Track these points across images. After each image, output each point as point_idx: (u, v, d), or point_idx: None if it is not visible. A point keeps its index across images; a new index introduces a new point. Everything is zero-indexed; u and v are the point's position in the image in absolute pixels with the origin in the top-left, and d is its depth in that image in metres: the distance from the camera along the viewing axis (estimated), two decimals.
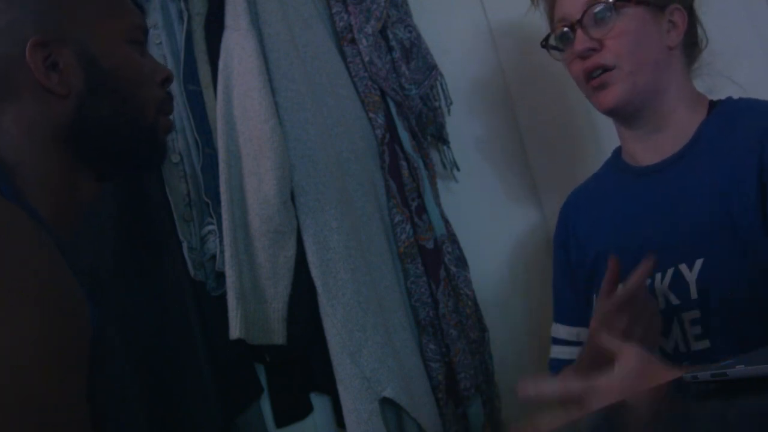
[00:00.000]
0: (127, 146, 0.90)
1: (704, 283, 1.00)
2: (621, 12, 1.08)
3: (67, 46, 0.84)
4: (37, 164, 0.83)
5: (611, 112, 1.13)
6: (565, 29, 1.12)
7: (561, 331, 1.25)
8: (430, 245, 1.45)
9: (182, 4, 1.42)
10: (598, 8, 1.08)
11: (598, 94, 1.10)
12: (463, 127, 1.63)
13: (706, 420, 0.64)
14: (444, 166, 1.61)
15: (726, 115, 1.10)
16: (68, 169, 0.85)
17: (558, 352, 1.25)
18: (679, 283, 1.03)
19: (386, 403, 1.32)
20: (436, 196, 1.51)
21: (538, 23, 1.24)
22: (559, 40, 1.15)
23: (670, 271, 1.04)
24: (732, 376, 0.65)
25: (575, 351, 1.22)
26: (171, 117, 0.96)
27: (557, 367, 1.25)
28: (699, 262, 1.01)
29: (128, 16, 0.92)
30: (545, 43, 1.17)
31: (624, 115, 1.13)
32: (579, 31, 1.09)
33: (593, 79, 1.10)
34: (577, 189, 1.28)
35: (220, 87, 1.36)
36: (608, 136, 1.57)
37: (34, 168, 0.82)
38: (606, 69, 1.09)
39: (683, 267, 1.03)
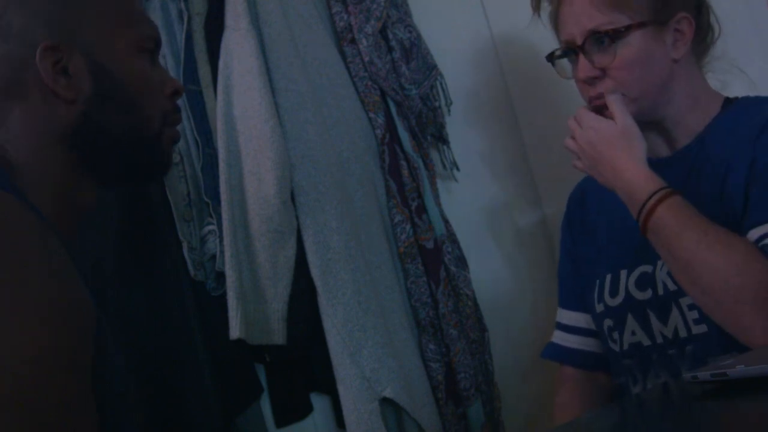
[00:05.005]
0: (129, 154, 0.90)
1: None
2: (624, 40, 1.04)
3: (77, 53, 0.85)
4: (40, 166, 0.83)
5: None
6: (568, 51, 1.09)
7: (563, 315, 1.25)
8: (430, 245, 1.44)
9: (182, 4, 1.42)
10: (599, 37, 1.04)
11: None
12: (463, 127, 1.63)
13: (706, 420, 0.64)
14: (444, 166, 1.61)
15: (734, 113, 1.09)
16: (70, 173, 0.85)
17: (559, 337, 1.26)
18: None
19: (386, 403, 1.32)
20: (436, 196, 1.51)
21: (540, 23, 1.24)
22: (564, 55, 1.12)
23: None
24: (732, 376, 0.65)
25: (575, 339, 1.23)
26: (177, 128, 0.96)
27: (554, 353, 1.26)
28: None
29: (140, 25, 0.92)
30: (551, 58, 1.13)
31: None
32: (581, 58, 1.06)
33: (596, 99, 1.08)
34: (587, 177, 1.28)
35: (220, 87, 1.36)
36: None
37: (36, 169, 0.83)
38: None
39: None
